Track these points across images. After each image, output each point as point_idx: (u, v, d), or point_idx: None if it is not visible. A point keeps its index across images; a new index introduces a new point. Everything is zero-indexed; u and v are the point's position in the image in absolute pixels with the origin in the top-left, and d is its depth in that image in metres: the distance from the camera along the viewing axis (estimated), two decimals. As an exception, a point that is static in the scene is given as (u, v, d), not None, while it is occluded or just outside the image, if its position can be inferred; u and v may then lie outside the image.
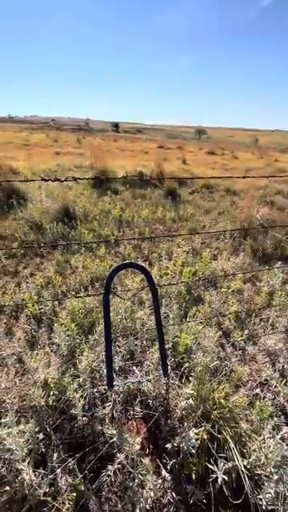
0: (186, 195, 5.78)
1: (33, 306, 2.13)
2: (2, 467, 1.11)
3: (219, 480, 1.07)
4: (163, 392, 1.49)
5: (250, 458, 1.12)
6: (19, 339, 1.89)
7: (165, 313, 2.09)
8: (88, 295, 1.90)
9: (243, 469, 1.10)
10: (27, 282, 2.54)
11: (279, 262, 2.98)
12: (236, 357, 1.86)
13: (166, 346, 1.75)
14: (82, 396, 1.40)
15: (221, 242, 3.65)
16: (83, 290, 2.42)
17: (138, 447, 1.24)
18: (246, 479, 1.08)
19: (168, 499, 1.15)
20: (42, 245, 3.25)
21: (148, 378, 1.49)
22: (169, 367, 1.56)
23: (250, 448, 1.17)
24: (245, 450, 1.18)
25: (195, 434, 1.17)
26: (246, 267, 3.04)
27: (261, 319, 2.20)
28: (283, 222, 4.01)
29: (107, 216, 4.19)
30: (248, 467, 1.12)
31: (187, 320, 2.05)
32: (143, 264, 2.85)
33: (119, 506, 1.10)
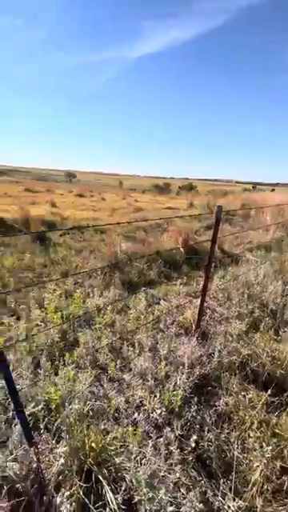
0: (57, 238, 5.78)
1: None
2: None
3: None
4: (35, 465, 1.32)
5: (121, 489, 1.16)
6: None
7: (34, 369, 1.92)
8: None
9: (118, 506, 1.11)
10: None
11: (143, 288, 3.45)
12: (113, 389, 1.92)
13: (37, 408, 1.60)
14: None
15: (94, 279, 3.83)
16: None
17: None
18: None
19: None
20: None
21: (12, 457, 1.28)
22: (41, 431, 1.42)
23: (123, 479, 1.21)
24: (118, 484, 1.20)
25: (68, 497, 1.09)
26: (117, 299, 3.31)
27: (132, 344, 2.42)
28: (143, 252, 4.72)
29: None
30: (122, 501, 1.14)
31: (60, 370, 1.96)
32: (9, 320, 2.54)
33: None
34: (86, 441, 1.30)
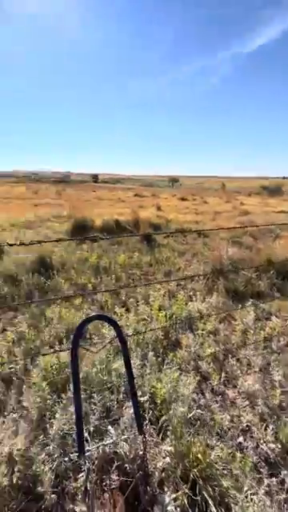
0: (161, 239, 6.09)
1: (2, 366, 2.01)
2: None
3: None
4: (141, 452, 1.39)
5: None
6: (-16, 406, 1.74)
7: (141, 360, 2.05)
8: (55, 351, 1.85)
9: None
10: (-3, 340, 2.42)
11: (251, 300, 3.12)
12: (216, 403, 1.81)
13: (143, 399, 1.69)
14: (50, 468, 1.28)
15: (195, 282, 3.78)
16: (58, 343, 2.34)
17: (113, 526, 1.11)
18: None
19: None
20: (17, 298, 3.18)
21: (123, 437, 1.40)
22: (146, 422, 1.50)
23: (229, 509, 1.10)
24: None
25: (173, 499, 1.08)
26: (220, 306, 3.13)
27: (238, 359, 2.22)
28: (251, 260, 4.29)
29: (84, 264, 4.26)
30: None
31: (164, 367, 2.02)
32: (121, 311, 2.86)
33: None
34: (192, 449, 1.26)
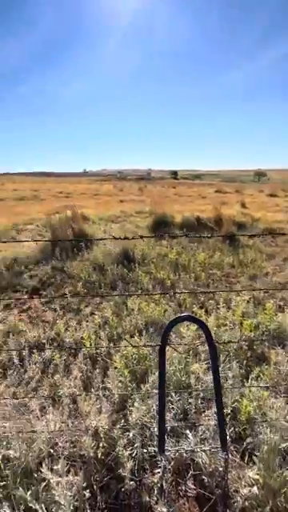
0: (246, 239, 5.57)
1: (90, 345, 2.23)
2: (48, 521, 1.08)
3: None
4: (221, 469, 1.29)
5: None
6: (75, 378, 1.96)
7: (222, 370, 1.91)
8: (144, 345, 1.90)
9: None
10: (87, 321, 2.71)
11: None
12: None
13: (224, 411, 1.57)
14: (130, 455, 1.32)
15: (287, 291, 3.29)
16: (137, 333, 2.44)
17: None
18: None
19: None
20: (103, 286, 3.48)
21: (203, 447, 1.32)
22: (228, 439, 1.37)
23: None
24: None
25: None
26: None
27: None
28: None
29: (163, 259, 4.31)
30: None
31: (249, 383, 1.82)
32: (199, 312, 2.75)
33: None
34: (284, 488, 1.08)
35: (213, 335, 2.29)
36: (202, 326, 1.17)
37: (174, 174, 67.90)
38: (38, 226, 7.01)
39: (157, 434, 1.37)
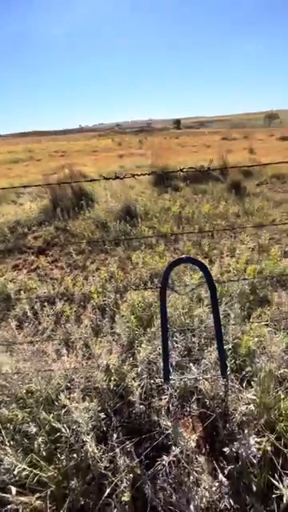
0: (253, 187, 5.32)
1: (98, 297, 2.33)
2: (71, 436, 1.26)
3: (284, 499, 0.96)
4: (221, 394, 1.42)
5: None
6: (86, 326, 2.09)
7: (225, 311, 1.99)
8: (145, 288, 1.96)
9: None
10: (93, 276, 2.79)
11: None
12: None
13: (225, 347, 1.67)
14: (139, 385, 1.47)
15: (294, 237, 3.24)
16: (143, 285, 2.51)
17: (193, 444, 1.23)
18: None
19: (225, 505, 1.10)
20: (107, 242, 3.50)
21: (205, 376, 1.45)
22: (228, 368, 1.49)
23: None
24: None
25: (257, 442, 1.08)
26: None
27: None
28: None
29: (167, 213, 4.22)
30: None
31: (250, 321, 1.90)
32: (203, 261, 2.77)
33: (174, 497, 1.11)
34: (281, 404, 1.19)
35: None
36: (201, 266, 1.17)
37: (177, 124, 62.61)
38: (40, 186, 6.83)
39: (162, 368, 1.49)
